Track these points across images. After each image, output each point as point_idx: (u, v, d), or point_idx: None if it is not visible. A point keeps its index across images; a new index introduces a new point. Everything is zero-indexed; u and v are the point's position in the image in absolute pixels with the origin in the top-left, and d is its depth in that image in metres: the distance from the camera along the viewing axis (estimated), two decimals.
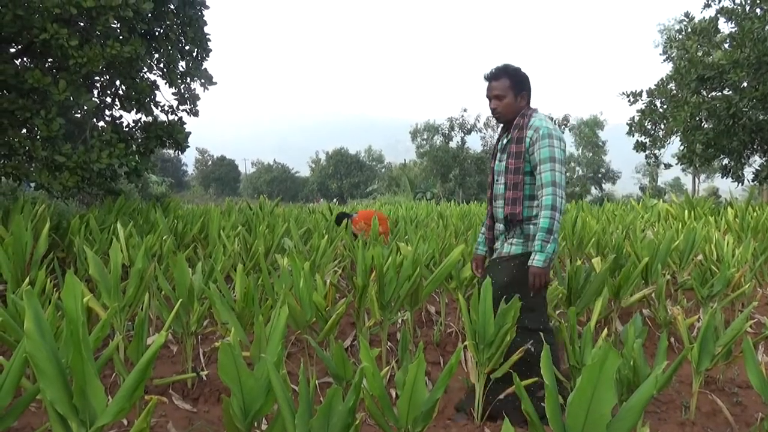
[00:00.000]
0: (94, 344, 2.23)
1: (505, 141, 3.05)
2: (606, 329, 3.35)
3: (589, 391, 1.66)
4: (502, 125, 3.15)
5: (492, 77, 2.98)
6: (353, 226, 6.90)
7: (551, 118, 3.40)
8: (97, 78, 8.34)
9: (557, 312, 4.49)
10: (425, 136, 42.30)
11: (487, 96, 3.01)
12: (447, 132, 40.83)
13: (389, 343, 3.94)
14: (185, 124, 9.02)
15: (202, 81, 9.06)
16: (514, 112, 2.99)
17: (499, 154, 3.10)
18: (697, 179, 40.35)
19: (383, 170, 55.57)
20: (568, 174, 41.45)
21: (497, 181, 3.08)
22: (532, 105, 3.08)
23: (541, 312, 3.09)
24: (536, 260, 2.83)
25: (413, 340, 4.19)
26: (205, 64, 9.08)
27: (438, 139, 41.38)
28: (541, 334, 2.93)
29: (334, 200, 37.13)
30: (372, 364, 2.03)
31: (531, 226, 2.95)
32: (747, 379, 3.59)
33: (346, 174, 51.00)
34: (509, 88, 2.95)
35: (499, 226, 3.07)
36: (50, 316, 2.74)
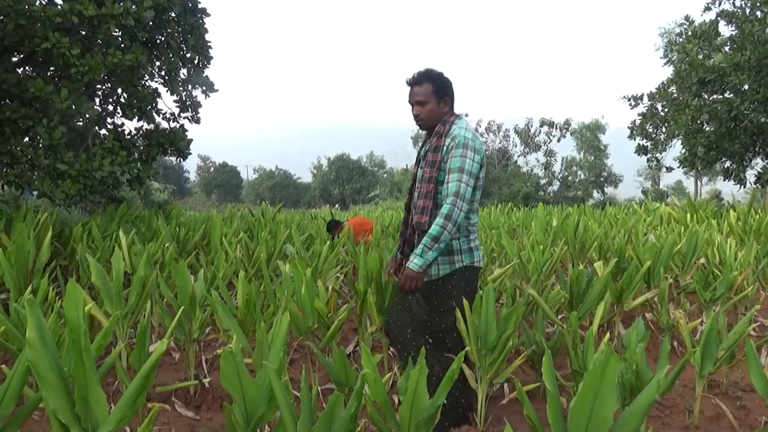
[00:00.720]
0: (96, 352, 2.23)
1: (426, 148, 2.96)
2: (608, 333, 3.34)
3: (591, 396, 1.66)
4: (426, 132, 3.05)
5: (414, 82, 2.89)
6: (338, 233, 6.88)
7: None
8: (98, 86, 8.37)
9: (559, 316, 4.49)
10: None
11: (410, 102, 2.92)
12: None
13: (391, 349, 3.93)
14: (187, 131, 9.04)
15: (204, 88, 9.10)
16: (436, 118, 2.91)
17: (422, 161, 3.01)
18: (699, 182, 40.33)
19: (385, 176, 55.55)
20: (575, 178, 41.49)
21: (418, 188, 2.98)
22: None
23: (453, 331, 2.98)
24: (414, 263, 2.74)
25: None
26: (207, 72, 9.12)
27: None
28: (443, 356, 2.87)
29: (336, 206, 37.11)
30: (374, 370, 2.03)
31: (453, 242, 2.87)
32: (750, 382, 3.58)
33: (348, 180, 51.02)
34: (432, 93, 2.86)
35: (416, 234, 2.98)
36: (52, 324, 2.74)
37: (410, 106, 2.93)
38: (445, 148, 2.82)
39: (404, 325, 2.99)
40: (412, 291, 2.79)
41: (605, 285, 3.85)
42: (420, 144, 3.07)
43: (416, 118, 2.91)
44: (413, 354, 2.78)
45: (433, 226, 2.73)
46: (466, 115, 40.17)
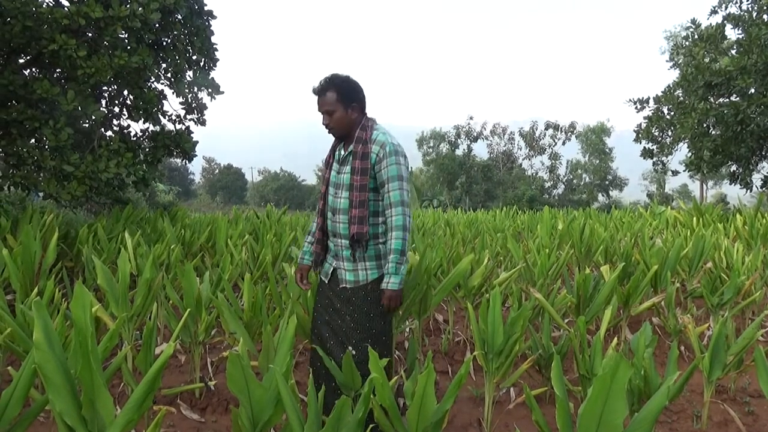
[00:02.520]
0: (102, 354, 2.23)
1: (344, 153, 2.87)
2: (615, 338, 3.33)
3: (601, 402, 1.65)
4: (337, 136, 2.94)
5: (319, 92, 2.81)
6: None
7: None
8: (105, 88, 8.39)
9: (566, 320, 4.47)
10: (431, 144, 42.33)
11: (318, 111, 2.84)
12: (453, 140, 40.87)
13: (397, 352, 3.92)
14: (192, 133, 9.06)
15: (210, 90, 9.10)
16: (348, 126, 2.83)
17: (337, 166, 2.90)
18: (704, 186, 40.19)
19: None
20: (580, 181, 41.44)
21: (335, 194, 2.88)
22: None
23: (390, 338, 2.93)
24: (392, 283, 2.69)
25: (421, 349, 4.18)
26: (212, 74, 9.13)
27: (444, 147, 41.40)
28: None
29: None
30: (381, 374, 2.02)
31: (381, 246, 2.83)
32: (759, 388, 3.57)
33: None
34: (337, 101, 2.78)
35: (340, 242, 2.86)
36: (59, 325, 2.74)
37: (322, 116, 2.83)
38: (374, 155, 2.76)
39: (325, 339, 2.87)
40: (396, 309, 2.77)
41: (612, 289, 3.83)
42: (339, 147, 2.91)
43: (327, 127, 2.84)
44: (334, 362, 2.73)
45: (394, 241, 2.70)
46: (471, 119, 40.26)
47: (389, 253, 2.72)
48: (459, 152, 40.35)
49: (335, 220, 2.86)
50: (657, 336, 3.74)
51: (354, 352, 2.73)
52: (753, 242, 7.05)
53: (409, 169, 2.87)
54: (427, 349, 4.41)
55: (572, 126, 41.10)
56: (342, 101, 2.78)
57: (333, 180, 2.89)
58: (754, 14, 13.17)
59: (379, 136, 2.80)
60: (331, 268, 2.91)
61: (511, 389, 3.54)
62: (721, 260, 5.44)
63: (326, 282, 2.92)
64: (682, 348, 4.30)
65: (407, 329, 4.61)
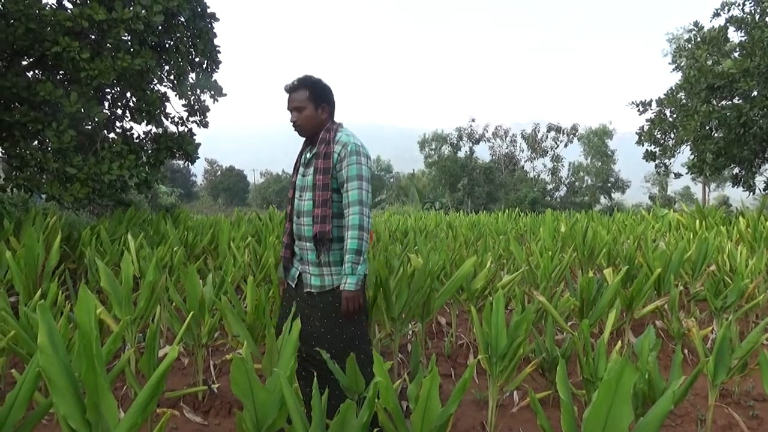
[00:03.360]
0: (105, 357, 2.23)
1: (309, 155, 2.87)
2: (619, 342, 3.32)
3: (606, 407, 1.64)
4: (305, 139, 2.96)
5: (291, 89, 2.82)
6: None
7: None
8: (107, 90, 8.41)
9: (569, 323, 4.47)
10: (433, 146, 42.32)
11: (288, 108, 2.85)
12: (455, 141, 40.86)
13: (400, 355, 3.92)
14: (195, 135, 9.07)
15: (212, 93, 9.12)
16: (315, 125, 2.84)
17: (302, 169, 2.90)
18: (707, 188, 40.14)
19: (392, 180, 55.58)
20: (582, 183, 41.39)
21: (300, 197, 2.87)
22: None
23: (367, 340, 2.91)
24: (348, 283, 2.66)
25: (424, 352, 4.17)
26: (215, 76, 9.15)
27: (446, 149, 41.39)
28: (370, 366, 2.69)
29: None
30: (385, 378, 2.01)
31: (342, 251, 2.81)
32: (763, 391, 3.56)
33: None
34: (308, 99, 2.80)
35: (306, 245, 2.84)
36: (62, 328, 2.74)
37: (290, 113, 2.84)
38: (336, 155, 2.76)
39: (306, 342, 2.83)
40: (356, 311, 2.70)
41: (615, 292, 3.82)
42: (306, 151, 2.92)
43: (294, 124, 2.84)
44: (315, 369, 2.73)
45: (350, 240, 2.67)
46: (473, 121, 40.24)
47: (346, 252, 2.69)
48: (461, 154, 40.33)
49: (300, 223, 2.85)
50: (660, 339, 3.73)
51: (328, 355, 2.65)
52: (756, 245, 7.04)
53: (372, 170, 2.87)
54: (430, 352, 4.40)
55: (574, 128, 41.05)
56: (313, 100, 2.80)
57: (298, 183, 2.90)
58: (757, 17, 13.15)
59: (342, 136, 2.80)
60: (297, 272, 2.89)
61: (515, 392, 3.54)
62: (724, 263, 5.43)
63: (293, 286, 2.90)
64: (686, 351, 4.29)
65: (410, 332, 4.61)
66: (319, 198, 2.75)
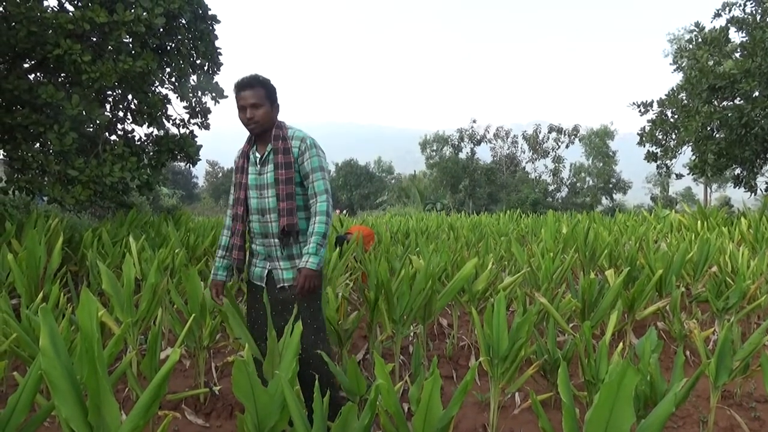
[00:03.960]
0: (107, 359, 2.23)
1: (263, 154, 2.88)
2: (621, 343, 3.31)
3: (608, 409, 1.64)
4: (249, 139, 2.98)
5: (247, 86, 2.82)
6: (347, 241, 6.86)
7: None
8: (109, 92, 8.42)
9: (570, 325, 4.46)
10: (435, 147, 42.34)
11: (242, 105, 2.83)
12: (456, 143, 40.86)
13: (401, 357, 3.92)
14: (196, 137, 9.08)
15: (213, 94, 9.13)
16: (270, 122, 2.87)
17: (256, 168, 2.90)
18: (708, 189, 40.10)
19: (393, 181, 55.57)
20: (583, 184, 41.38)
21: (260, 195, 2.88)
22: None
23: (325, 331, 2.96)
24: (310, 262, 2.71)
25: (426, 354, 4.17)
26: (216, 78, 9.16)
27: (447, 150, 41.40)
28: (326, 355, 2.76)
29: (344, 211, 37.17)
30: (387, 380, 2.01)
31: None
32: (765, 393, 3.56)
33: (356, 185, 50.98)
34: (265, 97, 2.83)
35: (273, 242, 2.87)
36: (64, 330, 2.74)
37: (243, 110, 2.83)
38: (296, 149, 2.83)
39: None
40: (312, 290, 2.76)
41: (617, 294, 3.82)
42: (252, 150, 2.94)
43: (250, 120, 2.82)
44: (314, 363, 2.76)
45: (317, 224, 2.75)
46: (474, 122, 40.26)
47: (311, 234, 2.76)
48: (462, 155, 40.33)
49: (265, 220, 2.87)
50: (662, 341, 3.73)
51: (304, 355, 2.73)
52: (758, 246, 7.03)
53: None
54: (431, 353, 4.40)
55: (576, 129, 41.04)
56: (268, 98, 2.85)
57: (254, 183, 2.91)
58: (758, 17, 13.14)
59: (296, 132, 2.89)
60: (265, 271, 2.91)
61: (516, 394, 3.53)
62: (726, 264, 5.43)
63: (263, 286, 2.90)
64: (688, 353, 4.29)
65: (412, 334, 4.61)
66: (283, 192, 2.81)
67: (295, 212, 2.82)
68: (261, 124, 2.84)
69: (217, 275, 3.03)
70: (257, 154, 2.91)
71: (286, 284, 2.85)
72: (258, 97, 2.81)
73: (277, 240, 2.85)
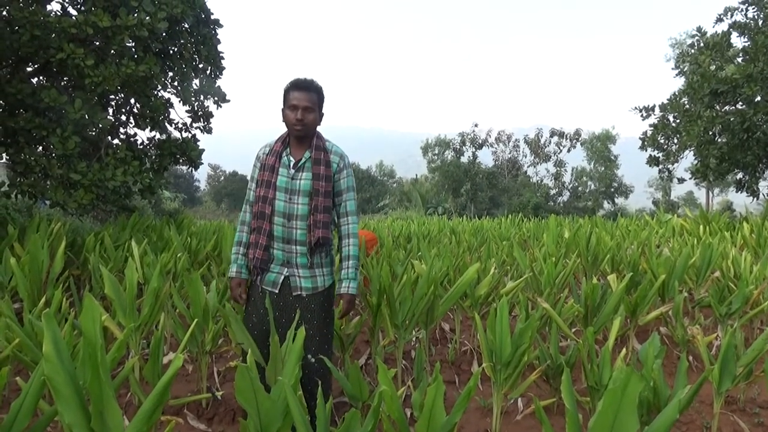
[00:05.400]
0: (110, 364, 2.23)
1: (299, 159, 2.83)
2: (624, 349, 3.31)
3: (612, 415, 1.64)
4: (282, 139, 2.91)
5: (305, 88, 2.77)
6: None
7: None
8: (112, 96, 8.44)
9: (573, 330, 4.46)
10: (436, 151, 42.34)
11: (294, 105, 2.75)
12: (458, 147, 40.87)
13: (404, 362, 3.91)
14: (198, 141, 9.10)
15: (216, 98, 9.15)
16: (314, 129, 2.85)
17: (289, 171, 2.83)
18: (710, 193, 40.06)
19: (395, 185, 55.57)
20: (585, 188, 41.37)
21: (289, 200, 2.81)
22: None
23: (332, 340, 3.02)
24: (352, 288, 2.82)
25: (428, 359, 4.16)
26: (219, 82, 9.17)
27: (449, 154, 41.41)
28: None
29: None
30: (390, 386, 2.01)
31: (332, 253, 2.96)
32: None
33: (358, 189, 50.97)
34: (317, 104, 2.81)
35: (296, 248, 2.82)
36: (67, 335, 2.74)
37: (295, 110, 2.76)
38: (335, 165, 2.84)
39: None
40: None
41: (620, 299, 3.81)
42: (285, 153, 2.87)
43: (299, 122, 2.76)
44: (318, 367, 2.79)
45: (352, 247, 2.85)
46: (476, 126, 40.28)
47: (347, 258, 2.84)
48: (464, 159, 40.33)
49: (291, 226, 2.82)
50: (665, 346, 3.72)
51: (313, 360, 2.78)
52: (761, 251, 7.02)
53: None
54: (434, 358, 4.40)
55: (577, 133, 41.03)
56: (319, 105, 2.84)
57: (283, 185, 2.83)
58: (760, 22, 13.16)
59: (334, 147, 2.89)
60: (282, 277, 2.85)
61: (519, 400, 3.52)
62: (728, 269, 5.41)
63: (275, 292, 2.85)
64: (691, 358, 4.28)
65: (414, 339, 4.60)
66: (322, 204, 2.79)
67: (329, 226, 2.84)
68: (308, 128, 2.80)
69: (242, 273, 2.95)
70: (291, 158, 2.85)
71: (304, 293, 2.83)
72: (312, 102, 2.79)
73: (300, 247, 2.82)
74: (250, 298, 2.96)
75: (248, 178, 3.04)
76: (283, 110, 2.82)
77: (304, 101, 2.76)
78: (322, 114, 2.87)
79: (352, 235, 2.84)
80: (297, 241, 2.82)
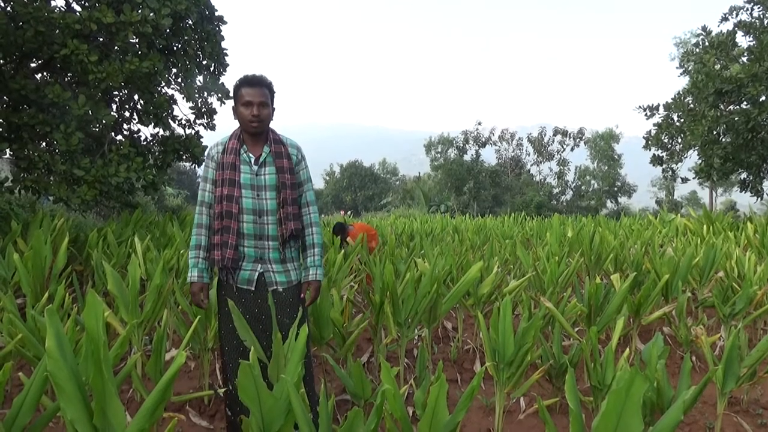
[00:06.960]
0: (112, 361, 2.23)
1: (260, 154, 2.81)
2: (627, 349, 3.30)
3: (615, 416, 1.63)
4: (235, 136, 2.86)
5: (257, 83, 2.76)
6: (350, 237, 6.83)
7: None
8: (115, 93, 8.45)
9: (576, 330, 4.45)
10: (439, 149, 42.29)
11: (249, 101, 2.73)
12: (461, 145, 40.82)
13: (406, 360, 3.91)
14: (202, 137, 9.10)
15: (219, 95, 9.14)
16: (268, 124, 2.85)
17: (251, 168, 2.79)
18: (714, 193, 39.96)
19: (397, 183, 55.51)
20: (588, 187, 41.30)
21: (257, 196, 2.78)
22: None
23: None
24: (319, 274, 2.87)
25: (431, 357, 4.16)
26: (222, 78, 9.17)
27: (452, 152, 41.36)
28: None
29: (349, 212, 37.12)
30: (393, 385, 2.01)
31: (299, 245, 2.96)
32: None
33: (361, 187, 50.92)
34: (270, 99, 2.82)
35: (268, 244, 2.79)
36: (69, 331, 2.74)
37: (249, 106, 2.73)
38: (294, 157, 2.88)
39: (266, 348, 2.81)
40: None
41: (623, 299, 3.80)
42: (243, 150, 2.83)
43: (256, 118, 2.74)
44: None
45: (316, 235, 2.90)
46: (479, 124, 40.21)
47: (312, 246, 2.89)
48: (467, 158, 40.28)
49: (262, 222, 2.79)
50: (668, 346, 3.72)
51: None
52: (765, 251, 7.00)
53: None
54: (436, 357, 4.39)
55: (581, 132, 40.96)
56: (272, 100, 2.85)
57: (249, 182, 2.80)
58: (765, 21, 13.11)
59: (289, 140, 2.93)
60: (256, 274, 2.81)
61: (522, 399, 3.52)
62: (732, 269, 5.40)
63: (252, 290, 2.81)
64: (694, 358, 4.26)
65: (417, 337, 4.60)
66: (290, 196, 2.82)
67: (300, 218, 2.88)
68: (264, 124, 2.80)
69: (203, 277, 2.87)
70: (251, 155, 2.82)
71: (280, 287, 2.82)
72: (266, 97, 2.78)
73: (272, 243, 2.81)
74: (224, 299, 2.85)
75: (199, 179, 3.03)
76: (235, 108, 2.81)
77: (258, 97, 2.75)
78: (274, 109, 2.89)
79: (315, 224, 2.90)
80: (269, 237, 2.81)
